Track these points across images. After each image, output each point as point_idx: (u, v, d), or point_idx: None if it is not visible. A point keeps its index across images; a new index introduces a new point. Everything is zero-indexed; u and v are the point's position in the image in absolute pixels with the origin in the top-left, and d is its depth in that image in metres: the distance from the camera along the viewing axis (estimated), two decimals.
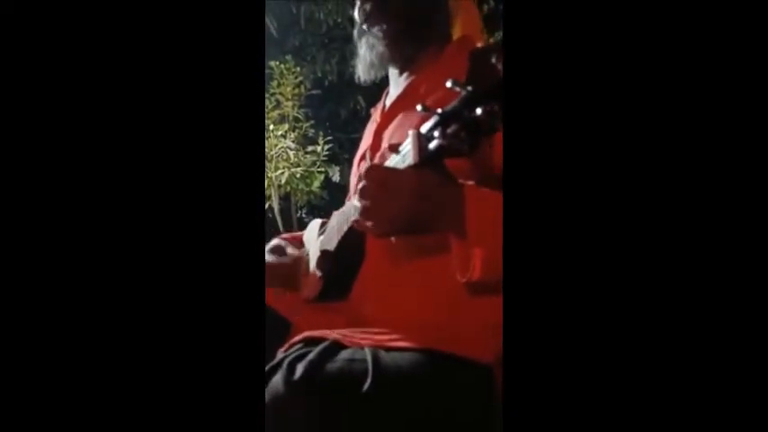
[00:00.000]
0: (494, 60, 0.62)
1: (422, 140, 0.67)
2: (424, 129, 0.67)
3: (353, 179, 1.10)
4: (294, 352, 0.79)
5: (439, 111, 0.64)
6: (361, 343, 0.80)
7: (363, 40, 1.05)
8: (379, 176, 0.73)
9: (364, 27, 1.05)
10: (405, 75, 1.06)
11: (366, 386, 0.73)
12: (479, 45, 1.01)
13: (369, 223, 0.75)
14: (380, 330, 0.84)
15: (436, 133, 0.65)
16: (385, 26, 1.02)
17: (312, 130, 3.68)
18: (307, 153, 3.52)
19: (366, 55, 1.04)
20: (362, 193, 0.74)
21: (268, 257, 1.08)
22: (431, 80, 0.98)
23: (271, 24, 3.92)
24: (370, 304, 0.91)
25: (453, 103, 0.63)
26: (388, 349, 0.80)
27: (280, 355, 0.82)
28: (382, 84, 1.16)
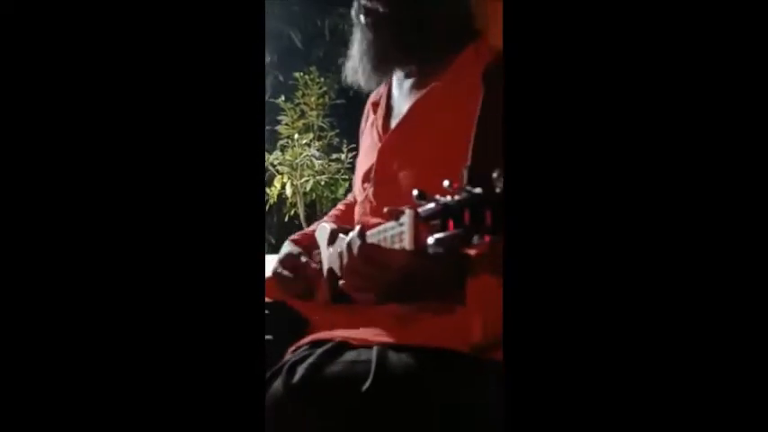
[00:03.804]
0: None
1: (419, 229, 0.64)
2: (423, 211, 0.64)
3: (357, 189, 1.05)
4: (298, 354, 0.77)
5: (440, 200, 0.61)
6: (372, 341, 0.78)
7: (359, 33, 0.94)
8: (371, 256, 0.72)
9: (361, 19, 0.91)
10: (412, 80, 0.97)
11: (366, 386, 0.71)
12: (494, 56, 0.86)
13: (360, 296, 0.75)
14: (392, 328, 0.82)
15: (435, 222, 0.61)
16: (387, 14, 0.89)
17: (336, 139, 3.73)
18: (331, 161, 3.58)
19: (364, 50, 0.93)
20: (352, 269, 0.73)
21: (282, 270, 1.02)
22: (441, 99, 0.90)
23: (295, 36, 3.99)
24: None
25: (456, 198, 0.60)
26: (399, 348, 0.77)
27: (287, 356, 0.80)
28: None
